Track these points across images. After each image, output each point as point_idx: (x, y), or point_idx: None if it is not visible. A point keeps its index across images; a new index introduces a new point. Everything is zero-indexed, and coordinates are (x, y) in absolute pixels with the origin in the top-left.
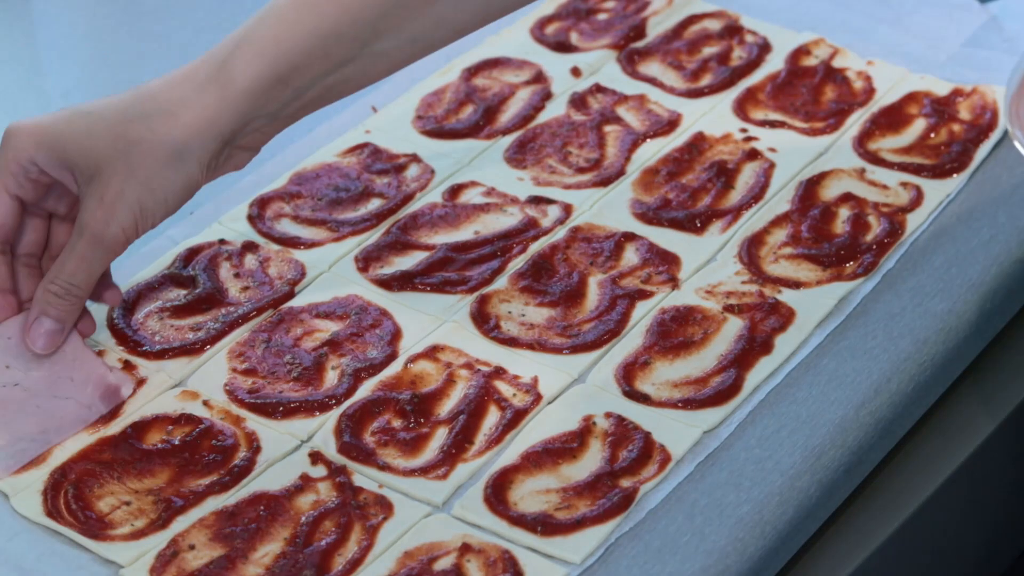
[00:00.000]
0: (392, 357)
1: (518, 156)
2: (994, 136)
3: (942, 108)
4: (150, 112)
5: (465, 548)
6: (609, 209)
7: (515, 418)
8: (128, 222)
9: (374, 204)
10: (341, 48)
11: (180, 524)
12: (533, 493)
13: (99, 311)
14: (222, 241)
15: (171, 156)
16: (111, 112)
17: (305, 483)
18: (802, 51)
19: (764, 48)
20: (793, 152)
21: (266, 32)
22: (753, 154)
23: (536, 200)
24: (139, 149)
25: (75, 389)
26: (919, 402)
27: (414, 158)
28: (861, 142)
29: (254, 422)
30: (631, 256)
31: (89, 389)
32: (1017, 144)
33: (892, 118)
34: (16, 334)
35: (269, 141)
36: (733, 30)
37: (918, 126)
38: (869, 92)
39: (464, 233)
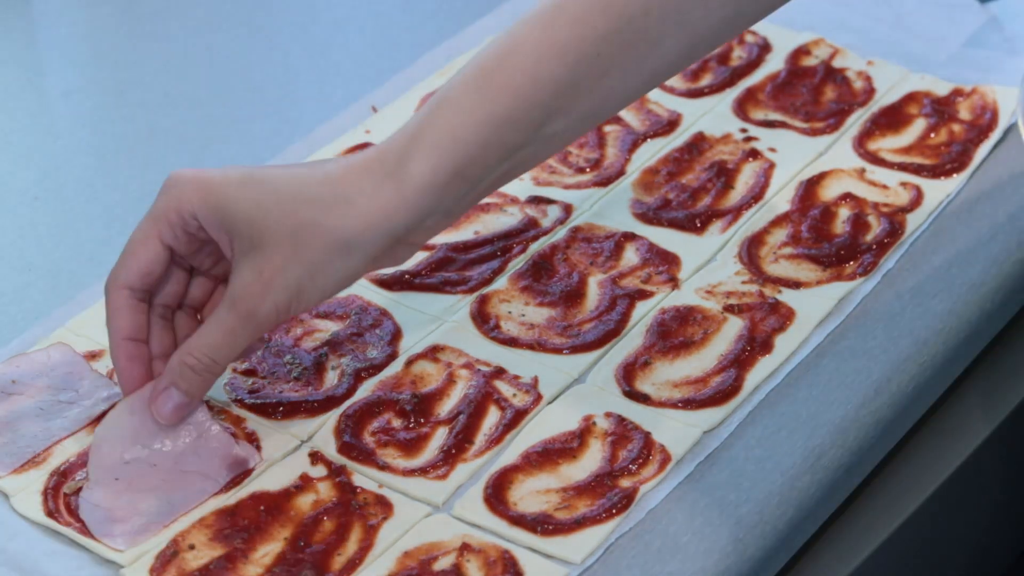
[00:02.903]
0: (392, 357)
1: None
2: (994, 136)
3: (942, 108)
4: (325, 197)
5: (465, 548)
6: (609, 209)
7: (515, 418)
8: (283, 302)
9: None
10: (515, 134)
11: (180, 524)
12: (533, 493)
13: (99, 310)
14: None
15: (341, 246)
16: (284, 186)
17: (305, 483)
18: (802, 51)
19: (764, 48)
20: (793, 152)
21: (442, 123)
22: (753, 154)
23: (536, 200)
24: (309, 232)
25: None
26: (919, 402)
27: None
28: (861, 142)
29: (254, 422)
30: (631, 256)
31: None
32: None
33: (892, 118)
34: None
35: (432, 238)
36: None
37: (918, 126)
38: (869, 92)
39: (464, 233)
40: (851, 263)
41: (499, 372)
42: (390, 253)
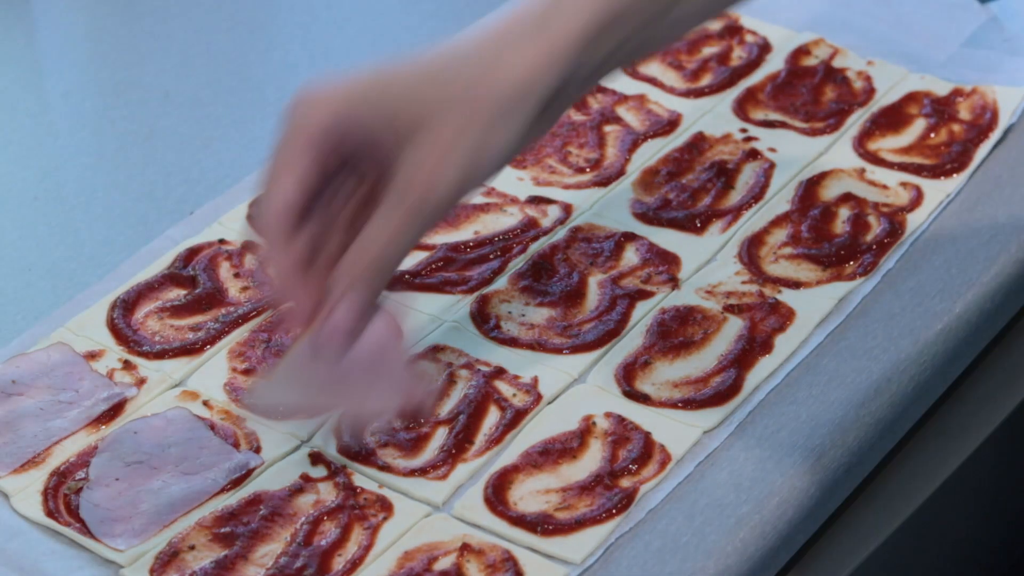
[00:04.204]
0: None
1: (518, 156)
2: (994, 136)
3: (942, 108)
4: (485, 57)
5: (465, 548)
6: (609, 209)
7: (515, 418)
8: (456, 181)
9: None
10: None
11: (180, 524)
12: (533, 493)
13: (99, 310)
14: (222, 241)
15: (501, 111)
16: (437, 58)
17: (305, 483)
18: (802, 51)
19: (764, 48)
20: (793, 152)
21: None
22: (753, 154)
23: (536, 200)
24: (474, 96)
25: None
26: (919, 402)
27: None
28: (861, 142)
29: (254, 422)
30: (631, 256)
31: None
32: None
33: (892, 118)
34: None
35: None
36: (733, 30)
37: (918, 126)
38: (869, 92)
39: (464, 233)
40: (851, 263)
41: (499, 372)
42: (538, 121)
